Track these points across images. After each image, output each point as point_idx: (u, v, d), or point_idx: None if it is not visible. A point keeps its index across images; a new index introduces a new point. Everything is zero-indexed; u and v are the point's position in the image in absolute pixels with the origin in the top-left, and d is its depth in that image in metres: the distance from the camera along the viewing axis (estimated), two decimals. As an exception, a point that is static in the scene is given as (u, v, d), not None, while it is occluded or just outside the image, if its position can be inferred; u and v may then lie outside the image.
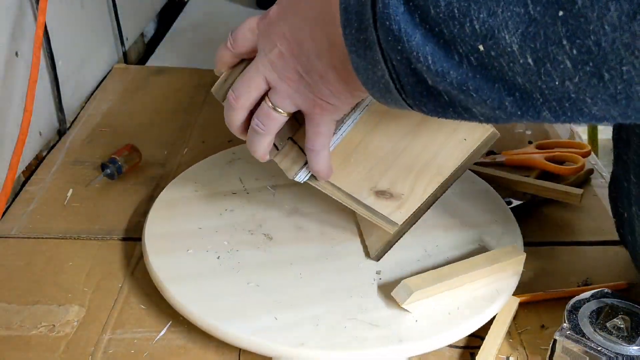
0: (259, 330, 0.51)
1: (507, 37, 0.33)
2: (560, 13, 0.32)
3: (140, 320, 0.56)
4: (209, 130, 0.86)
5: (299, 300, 0.55)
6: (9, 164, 0.70)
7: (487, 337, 0.53)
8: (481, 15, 0.34)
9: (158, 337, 0.55)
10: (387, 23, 0.36)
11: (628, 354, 0.48)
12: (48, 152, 0.82)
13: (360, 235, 0.62)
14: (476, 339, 0.54)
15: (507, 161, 0.79)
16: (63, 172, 0.77)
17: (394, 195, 0.57)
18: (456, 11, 0.34)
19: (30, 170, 0.78)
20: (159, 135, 0.85)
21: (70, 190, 0.74)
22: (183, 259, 0.59)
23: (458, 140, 0.57)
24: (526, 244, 0.63)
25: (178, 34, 1.24)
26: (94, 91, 0.97)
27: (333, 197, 0.57)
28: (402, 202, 0.57)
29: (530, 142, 0.83)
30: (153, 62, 1.12)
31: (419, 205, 0.57)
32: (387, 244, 0.58)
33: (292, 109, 0.49)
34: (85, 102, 0.94)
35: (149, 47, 1.24)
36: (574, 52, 0.32)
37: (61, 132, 0.86)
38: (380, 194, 0.57)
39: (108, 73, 1.02)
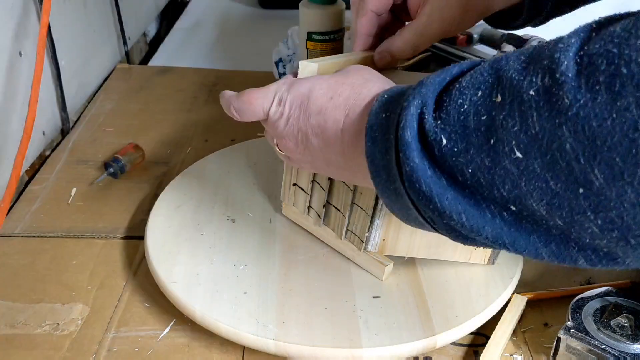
0: (263, 329, 0.51)
1: (534, 204, 0.35)
2: (581, 190, 0.33)
3: (144, 318, 0.56)
4: (212, 129, 0.86)
5: (304, 298, 0.55)
6: (13, 163, 0.70)
7: (493, 336, 0.53)
8: (506, 186, 0.35)
9: (162, 335, 0.55)
10: (417, 185, 0.38)
11: (632, 352, 0.48)
12: (52, 152, 0.82)
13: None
14: (480, 337, 0.54)
15: None
16: (67, 171, 0.77)
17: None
18: (482, 180, 0.36)
19: (34, 170, 0.78)
20: (162, 134, 0.85)
21: (74, 189, 0.74)
22: (185, 258, 0.59)
23: None
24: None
25: (180, 34, 1.24)
26: (97, 91, 0.97)
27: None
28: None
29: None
30: (155, 61, 1.12)
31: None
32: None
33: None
34: (89, 102, 0.94)
35: (152, 46, 1.25)
36: (599, 222, 0.33)
37: (64, 132, 0.86)
38: None
39: (111, 73, 1.03)
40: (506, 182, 0.35)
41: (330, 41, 0.77)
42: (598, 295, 0.53)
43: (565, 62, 0.32)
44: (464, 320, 0.53)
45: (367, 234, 0.55)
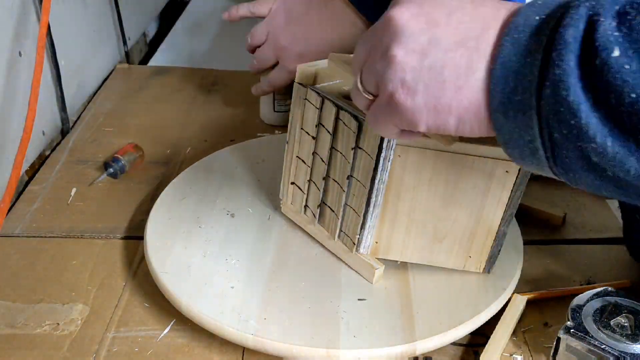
0: (244, 324, 0.52)
1: None
2: None
3: (144, 318, 0.56)
4: (211, 129, 0.86)
5: (290, 296, 0.55)
6: (13, 163, 0.70)
7: (492, 336, 0.53)
8: None
9: (162, 335, 0.55)
10: (564, 93, 0.33)
11: (632, 352, 0.48)
12: (51, 152, 0.82)
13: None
14: (480, 337, 0.54)
15: None
16: (66, 172, 0.77)
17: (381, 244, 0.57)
18: None
19: (34, 170, 0.78)
20: (161, 134, 0.85)
21: (74, 190, 0.74)
22: (180, 249, 0.59)
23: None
24: (529, 243, 0.63)
25: (179, 34, 1.24)
26: (97, 91, 0.97)
27: None
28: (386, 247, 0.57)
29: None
30: (155, 62, 1.12)
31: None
32: None
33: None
34: (88, 102, 0.94)
35: (151, 47, 1.25)
36: None
37: (64, 132, 0.86)
38: None
39: (110, 73, 1.03)
40: None
41: None
42: (598, 295, 0.53)
43: None
44: (447, 329, 0.52)
45: (358, 236, 0.55)
